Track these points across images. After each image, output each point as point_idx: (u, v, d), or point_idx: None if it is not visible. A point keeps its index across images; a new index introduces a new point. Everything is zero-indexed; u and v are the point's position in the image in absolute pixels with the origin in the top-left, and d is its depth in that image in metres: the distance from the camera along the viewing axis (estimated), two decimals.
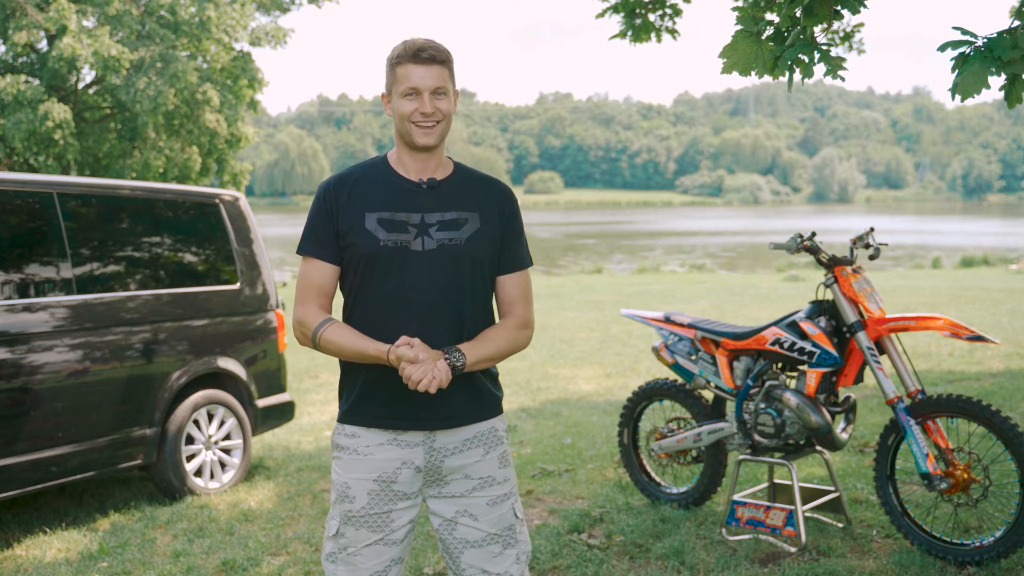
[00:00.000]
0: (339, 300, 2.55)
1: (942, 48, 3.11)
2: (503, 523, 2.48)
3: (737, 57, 3.51)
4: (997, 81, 3.28)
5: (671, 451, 4.87)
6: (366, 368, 2.41)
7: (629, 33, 6.41)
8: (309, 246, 2.46)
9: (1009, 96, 3.28)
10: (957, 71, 3.11)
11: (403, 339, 2.30)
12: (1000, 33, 3.12)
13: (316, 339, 2.39)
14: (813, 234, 4.44)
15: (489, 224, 2.47)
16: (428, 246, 2.39)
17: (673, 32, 6.43)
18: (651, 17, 6.36)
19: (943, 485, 3.97)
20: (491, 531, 2.47)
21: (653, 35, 6.40)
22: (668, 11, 6.36)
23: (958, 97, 3.13)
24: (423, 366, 2.27)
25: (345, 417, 2.48)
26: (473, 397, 2.46)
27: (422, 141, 2.41)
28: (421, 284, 2.38)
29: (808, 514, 4.57)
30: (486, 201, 2.50)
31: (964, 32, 3.13)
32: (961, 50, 3.12)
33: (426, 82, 2.37)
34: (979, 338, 4.03)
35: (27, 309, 4.77)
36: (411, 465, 2.42)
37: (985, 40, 3.10)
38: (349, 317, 2.47)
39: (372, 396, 2.43)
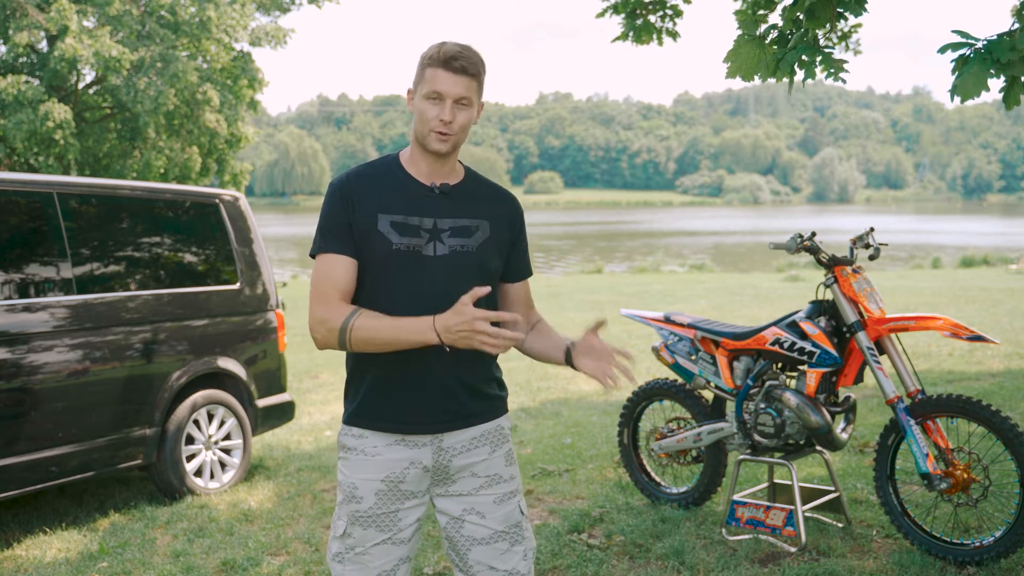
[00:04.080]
0: None
1: (942, 50, 3.12)
2: (510, 520, 2.49)
3: (740, 62, 3.52)
4: (996, 83, 3.30)
5: (671, 451, 4.87)
6: (373, 370, 2.40)
7: (631, 34, 6.41)
8: (328, 243, 2.38)
9: (1008, 98, 3.29)
10: (957, 73, 3.12)
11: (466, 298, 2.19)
12: (1000, 35, 3.13)
13: (347, 329, 2.30)
14: (813, 234, 4.43)
15: (498, 233, 2.47)
16: (440, 251, 2.38)
17: (674, 34, 6.43)
18: (651, 19, 6.37)
19: (943, 485, 3.96)
20: (498, 528, 2.47)
21: (654, 37, 6.40)
22: (669, 12, 6.36)
23: (958, 98, 3.14)
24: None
25: (351, 419, 2.47)
26: (479, 398, 2.46)
27: (435, 147, 2.39)
28: (432, 290, 2.37)
29: (808, 514, 4.56)
30: (497, 211, 2.49)
31: (963, 35, 3.14)
32: (961, 52, 3.13)
33: (452, 90, 2.34)
34: (979, 338, 4.02)
35: (27, 309, 4.77)
36: (419, 465, 2.42)
37: (985, 42, 3.11)
38: None
39: (379, 398, 2.42)
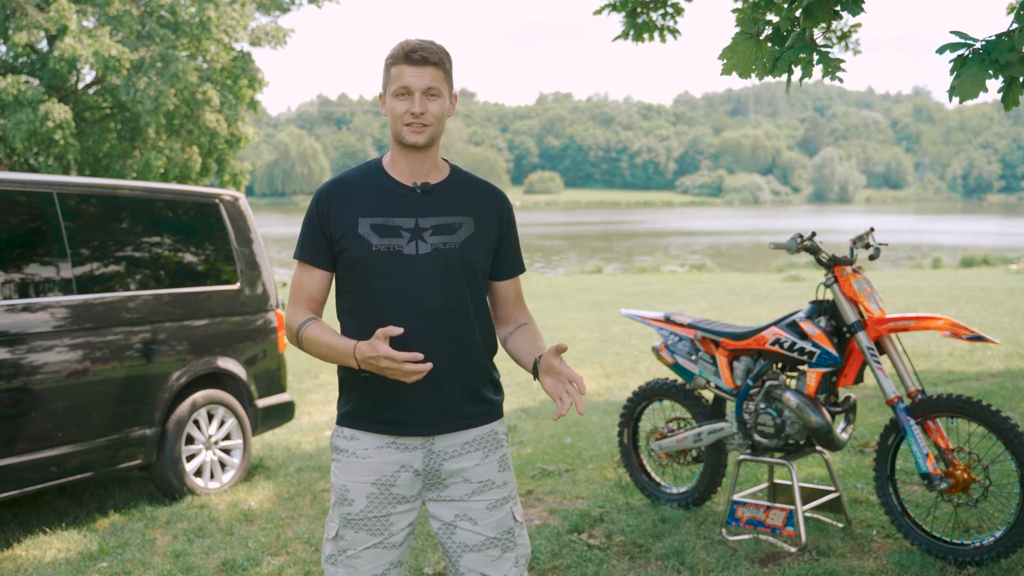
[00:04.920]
0: (331, 303, 2.55)
1: (940, 51, 3.12)
2: (502, 527, 2.47)
3: (737, 59, 3.52)
4: (995, 84, 3.30)
5: (671, 451, 4.87)
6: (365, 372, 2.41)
7: (631, 32, 6.41)
8: (302, 251, 2.47)
9: (1006, 98, 3.29)
10: (955, 74, 3.12)
11: (380, 332, 2.26)
12: (998, 36, 3.13)
13: (298, 337, 2.43)
14: (813, 234, 4.44)
15: (484, 229, 2.47)
16: (422, 250, 2.38)
17: (675, 32, 6.42)
18: (653, 16, 6.36)
19: (943, 485, 3.96)
20: (490, 535, 2.45)
21: (656, 35, 6.40)
22: (670, 10, 6.35)
23: (957, 99, 3.14)
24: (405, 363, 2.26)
25: (344, 420, 2.47)
26: (473, 401, 2.46)
27: (411, 139, 2.40)
28: (415, 289, 2.37)
29: (808, 514, 4.56)
30: (482, 206, 2.49)
31: (962, 36, 3.14)
32: (959, 52, 3.13)
33: (417, 82, 2.36)
34: (979, 338, 4.03)
35: (27, 309, 4.77)
36: (410, 468, 2.42)
37: (983, 43, 3.11)
38: (343, 320, 2.47)
39: (371, 400, 2.42)
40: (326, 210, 2.43)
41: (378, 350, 2.25)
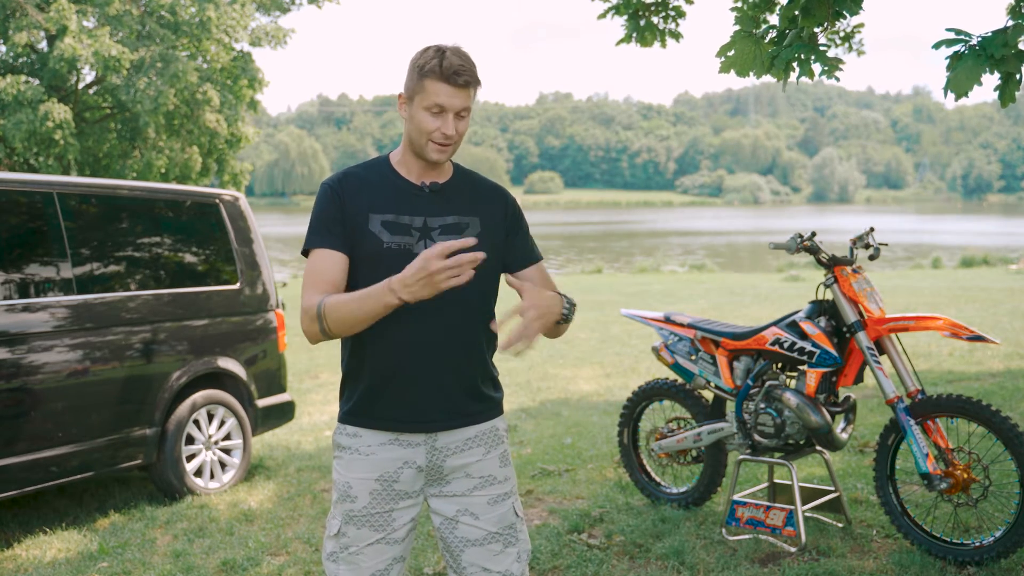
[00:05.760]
0: None
1: (936, 46, 3.13)
2: (504, 522, 2.49)
3: (735, 57, 3.53)
4: (991, 80, 3.31)
5: (671, 451, 4.87)
6: (368, 368, 2.41)
7: (634, 35, 6.41)
8: (319, 239, 2.39)
9: (1003, 95, 3.30)
10: (951, 69, 3.13)
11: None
12: (994, 32, 3.14)
13: (321, 312, 2.28)
14: (813, 234, 4.43)
15: (490, 228, 2.48)
16: None
17: (676, 35, 6.42)
18: (654, 20, 6.36)
19: (943, 485, 3.96)
20: (492, 530, 2.47)
21: (658, 39, 6.40)
22: (671, 13, 6.35)
23: (952, 96, 3.15)
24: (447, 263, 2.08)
25: (346, 418, 2.48)
26: (474, 398, 2.47)
27: (435, 158, 2.40)
28: None
29: (808, 514, 4.56)
30: (486, 205, 2.50)
31: (958, 32, 3.15)
32: (955, 48, 3.14)
33: (454, 103, 2.34)
34: (979, 338, 4.02)
35: (27, 309, 4.77)
36: (413, 465, 2.43)
37: (979, 39, 3.12)
38: None
39: (374, 398, 2.43)
40: (342, 197, 2.40)
41: (422, 256, 2.08)
